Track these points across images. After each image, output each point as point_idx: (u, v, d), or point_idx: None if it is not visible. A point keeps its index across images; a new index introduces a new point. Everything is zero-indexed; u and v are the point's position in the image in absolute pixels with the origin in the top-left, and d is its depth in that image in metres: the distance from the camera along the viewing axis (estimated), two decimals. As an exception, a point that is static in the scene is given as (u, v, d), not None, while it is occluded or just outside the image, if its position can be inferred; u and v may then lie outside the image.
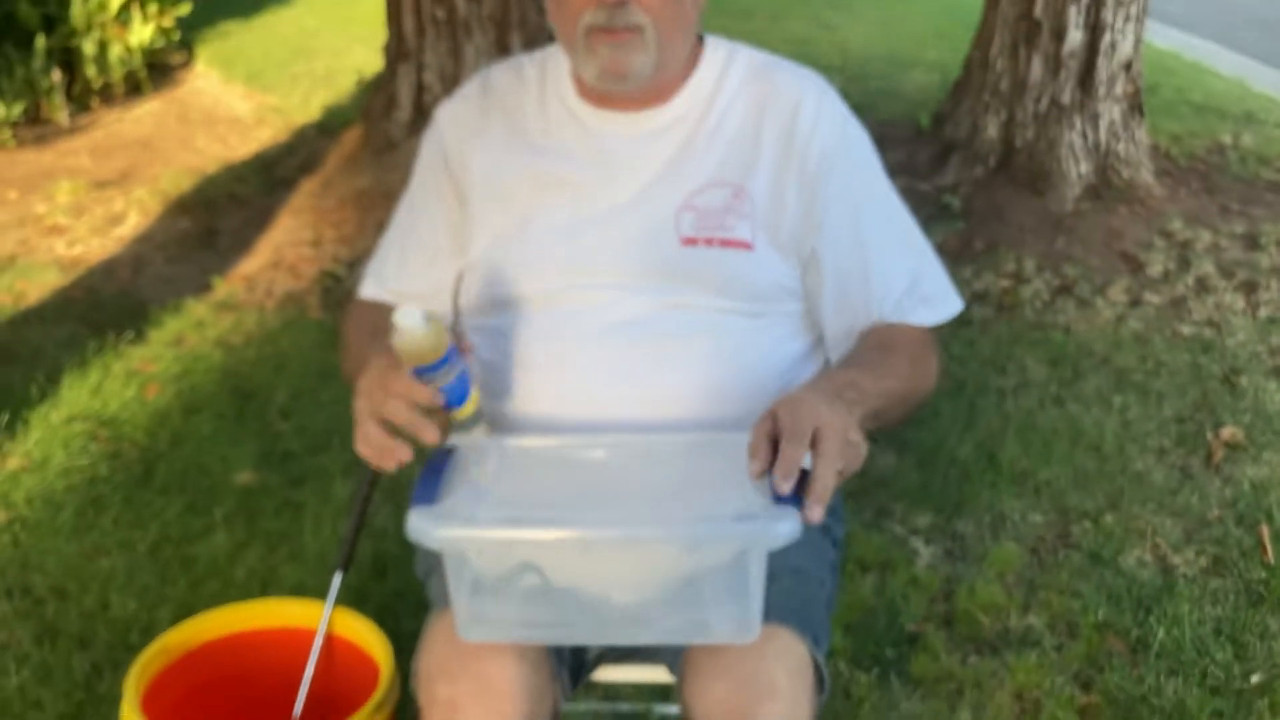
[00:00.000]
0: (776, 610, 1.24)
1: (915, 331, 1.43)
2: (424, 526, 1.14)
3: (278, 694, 1.71)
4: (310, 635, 1.71)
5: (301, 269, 4.03)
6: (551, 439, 1.35)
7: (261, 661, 1.73)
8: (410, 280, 1.53)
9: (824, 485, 1.11)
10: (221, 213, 4.56)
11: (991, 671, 2.19)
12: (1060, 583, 2.46)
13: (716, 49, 1.45)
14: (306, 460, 2.85)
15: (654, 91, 1.40)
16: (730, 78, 1.42)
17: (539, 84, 1.46)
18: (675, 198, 1.37)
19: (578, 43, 1.34)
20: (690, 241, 1.36)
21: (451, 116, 1.51)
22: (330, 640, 1.73)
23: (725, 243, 1.36)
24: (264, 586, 2.36)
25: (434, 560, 1.52)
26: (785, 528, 1.13)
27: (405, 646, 2.17)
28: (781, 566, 1.15)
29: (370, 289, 1.57)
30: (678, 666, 1.31)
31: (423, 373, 1.20)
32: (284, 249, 4.17)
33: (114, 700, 2.02)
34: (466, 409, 1.27)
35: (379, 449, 1.23)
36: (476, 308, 1.49)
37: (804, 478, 1.14)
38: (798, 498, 1.14)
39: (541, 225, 1.40)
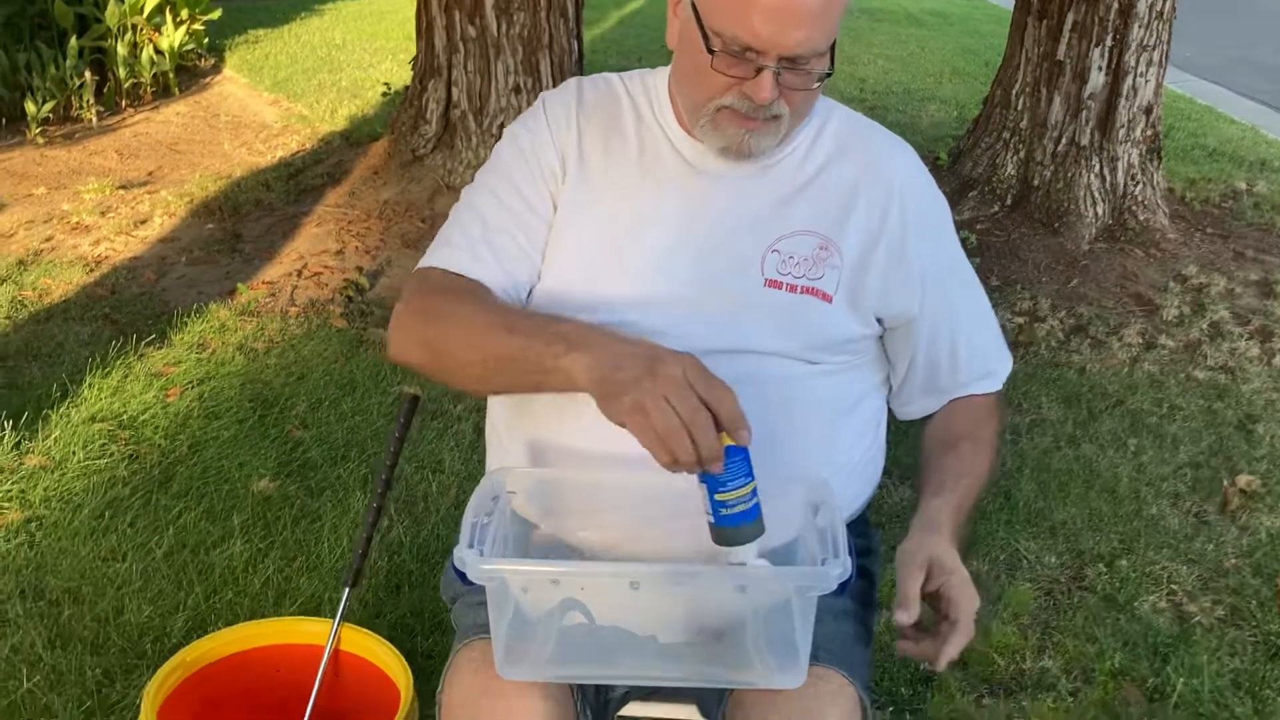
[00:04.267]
0: (825, 652, 1.25)
1: (989, 405, 1.50)
2: (470, 559, 1.15)
3: (291, 710, 1.71)
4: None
5: (324, 278, 4.05)
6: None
7: (276, 678, 1.74)
8: (499, 267, 1.39)
9: (953, 656, 1.21)
10: (246, 218, 4.58)
11: (1006, 715, 2.19)
12: (1075, 626, 2.46)
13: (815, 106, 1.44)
14: (325, 471, 2.86)
15: None
16: (826, 135, 1.43)
17: (634, 107, 1.44)
18: (764, 240, 1.38)
19: (703, 114, 1.33)
20: (774, 284, 1.36)
21: (560, 106, 1.44)
22: (346, 658, 1.74)
23: (808, 290, 1.36)
24: (280, 598, 2.37)
25: (460, 585, 1.52)
26: (837, 573, 1.13)
27: (421, 666, 2.19)
28: (826, 607, 1.16)
29: (459, 263, 1.39)
30: (718, 713, 1.31)
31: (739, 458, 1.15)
32: (308, 257, 4.19)
33: (124, 709, 2.03)
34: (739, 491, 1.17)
35: (674, 434, 1.11)
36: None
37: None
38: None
39: (631, 249, 1.38)
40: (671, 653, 1.21)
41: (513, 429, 1.47)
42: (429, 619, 2.35)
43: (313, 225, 4.45)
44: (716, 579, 1.16)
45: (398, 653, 1.70)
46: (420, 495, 2.80)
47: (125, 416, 3.05)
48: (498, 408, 1.52)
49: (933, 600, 1.26)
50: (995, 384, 1.53)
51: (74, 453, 2.86)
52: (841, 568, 1.15)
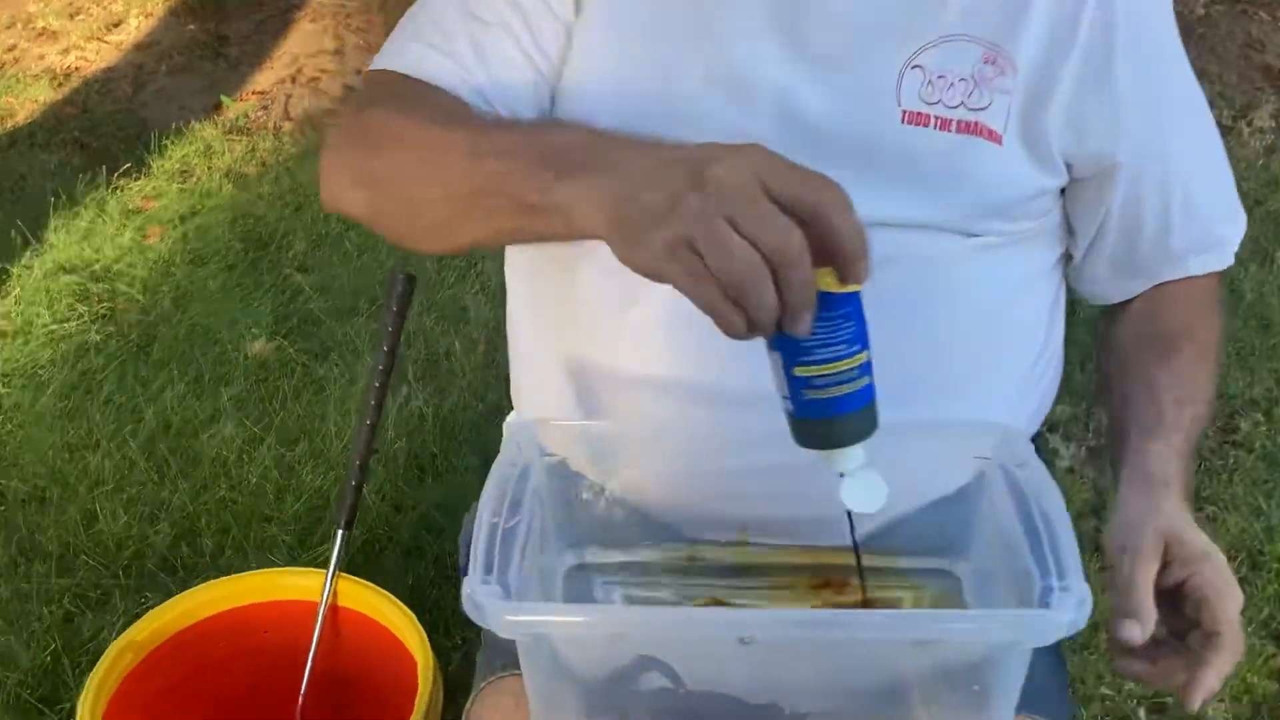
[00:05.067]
0: (1024, 695, 0.85)
1: (1210, 291, 1.06)
2: (489, 603, 0.73)
3: (284, 677, 1.36)
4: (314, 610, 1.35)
5: (322, 83, 3.54)
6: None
7: (263, 641, 1.37)
8: (482, 69, 0.93)
9: (1214, 689, 0.82)
10: (232, 16, 4.01)
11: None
12: (1233, 496, 2.04)
13: None
14: (330, 326, 2.43)
15: None
16: None
17: None
18: (900, 50, 0.90)
19: None
20: (917, 119, 0.90)
21: None
22: (347, 616, 1.37)
23: (967, 126, 0.90)
24: (280, 493, 1.99)
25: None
26: (1069, 618, 0.71)
27: (453, 578, 1.82)
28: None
29: (422, 63, 0.92)
30: None
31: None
32: (302, 60, 3.66)
33: (95, 650, 1.68)
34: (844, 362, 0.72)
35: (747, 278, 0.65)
36: None
37: None
38: None
39: (696, 65, 0.92)
40: (802, 726, 0.80)
41: (543, 339, 1.04)
42: (460, 514, 1.97)
43: (306, 21, 3.89)
44: (877, 630, 0.73)
45: (407, 610, 1.31)
46: (442, 353, 2.37)
47: (98, 266, 2.62)
48: (518, 304, 1.08)
49: (1171, 597, 0.84)
50: (1221, 259, 1.06)
51: (38, 314, 2.45)
52: (1075, 609, 0.72)
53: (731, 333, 0.67)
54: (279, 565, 1.86)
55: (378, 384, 1.36)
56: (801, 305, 0.66)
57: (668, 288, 0.68)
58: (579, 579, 0.96)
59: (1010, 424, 0.96)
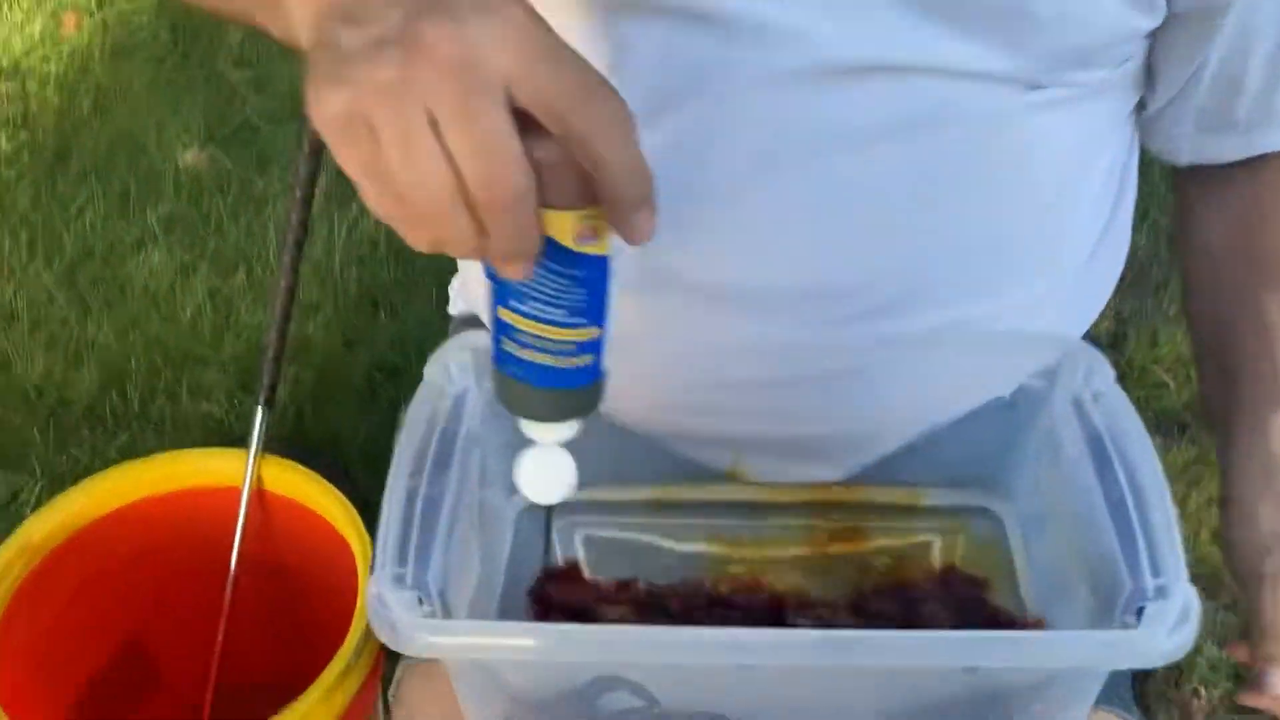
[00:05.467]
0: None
1: None
2: (401, 615, 0.55)
3: (204, 574, 1.19)
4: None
5: None
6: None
7: (186, 531, 1.20)
8: None
9: None
10: None
11: (1184, 465, 1.64)
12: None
13: None
14: (270, 133, 2.17)
15: None
16: None
17: None
18: None
19: None
20: None
21: None
22: (275, 502, 1.19)
23: None
24: (217, 332, 1.79)
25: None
26: (1173, 644, 0.54)
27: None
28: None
29: None
30: None
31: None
32: None
33: (13, 519, 1.49)
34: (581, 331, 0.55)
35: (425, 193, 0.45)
36: None
37: None
38: None
39: None
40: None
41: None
42: (416, 350, 1.79)
43: None
44: (917, 656, 0.55)
45: (341, 495, 1.13)
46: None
47: (4, 62, 2.33)
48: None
49: None
50: None
51: (-61, 121, 2.18)
52: (1177, 628, 0.55)
53: (411, 242, 0.48)
54: (216, 414, 1.70)
55: (294, 239, 1.14)
56: (512, 254, 0.48)
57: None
58: (534, 522, 0.79)
59: (1071, 331, 0.77)
